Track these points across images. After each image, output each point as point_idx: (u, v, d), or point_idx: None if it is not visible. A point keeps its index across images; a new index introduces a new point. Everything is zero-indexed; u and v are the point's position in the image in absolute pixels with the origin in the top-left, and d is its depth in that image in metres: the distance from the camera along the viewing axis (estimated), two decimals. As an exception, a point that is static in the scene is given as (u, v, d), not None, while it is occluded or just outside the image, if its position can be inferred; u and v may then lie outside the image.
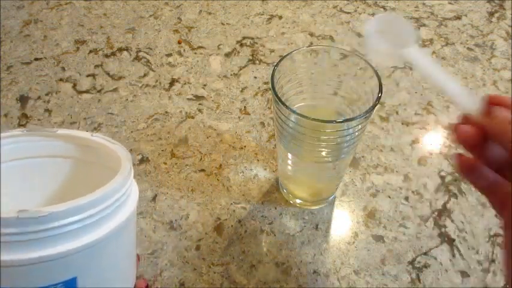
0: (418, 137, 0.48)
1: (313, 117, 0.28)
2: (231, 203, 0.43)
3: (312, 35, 0.59)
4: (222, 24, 0.60)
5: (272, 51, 0.57)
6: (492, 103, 0.22)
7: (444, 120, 0.49)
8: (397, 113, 0.50)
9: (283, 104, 0.29)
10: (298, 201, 0.42)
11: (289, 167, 0.38)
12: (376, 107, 0.29)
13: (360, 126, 0.30)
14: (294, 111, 0.29)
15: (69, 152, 0.29)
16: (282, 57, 0.32)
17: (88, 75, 0.55)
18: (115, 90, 0.53)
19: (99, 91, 0.53)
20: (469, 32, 0.59)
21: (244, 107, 0.51)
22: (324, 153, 0.33)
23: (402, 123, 0.49)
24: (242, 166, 0.45)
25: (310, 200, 0.42)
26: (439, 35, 0.59)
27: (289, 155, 0.35)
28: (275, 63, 0.31)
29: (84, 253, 0.20)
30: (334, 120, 0.29)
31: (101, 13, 0.62)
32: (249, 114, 0.50)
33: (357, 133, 0.31)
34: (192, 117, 0.50)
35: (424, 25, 0.60)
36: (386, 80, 0.53)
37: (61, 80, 0.54)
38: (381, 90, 0.30)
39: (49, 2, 0.64)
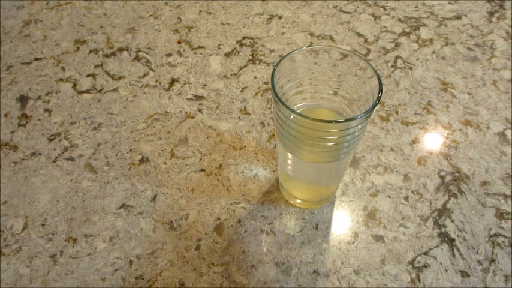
0: (418, 137, 0.48)
1: (313, 117, 0.28)
2: (231, 203, 0.43)
3: (312, 35, 0.59)
4: (222, 24, 0.60)
5: (272, 51, 0.57)
6: None
7: (444, 120, 0.49)
8: (397, 113, 0.50)
9: (283, 104, 0.29)
10: (298, 201, 0.42)
11: (289, 167, 0.38)
12: (376, 107, 0.29)
13: (360, 126, 0.30)
14: (294, 111, 0.29)
15: None
16: (282, 57, 0.32)
17: (88, 75, 0.55)
18: (115, 90, 0.53)
19: (99, 91, 0.53)
20: (469, 32, 0.59)
21: (244, 107, 0.51)
22: (324, 153, 0.33)
23: (402, 123, 0.49)
24: (242, 166, 0.45)
25: (310, 200, 0.42)
26: (439, 35, 0.59)
27: (289, 155, 0.35)
28: (275, 63, 0.31)
29: None
30: (334, 120, 0.29)
31: (101, 13, 0.62)
32: (249, 114, 0.50)
33: (357, 133, 0.31)
34: (192, 117, 0.50)
35: (424, 25, 0.61)
36: (387, 80, 0.53)
37: (61, 80, 0.54)
38: (380, 90, 0.29)
39: (49, 2, 0.64)
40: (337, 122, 0.29)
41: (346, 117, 0.31)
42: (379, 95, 0.29)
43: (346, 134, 0.30)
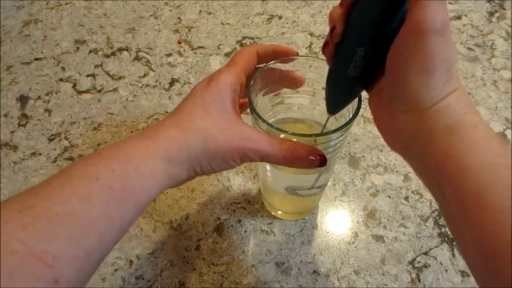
0: (418, 137, 0.48)
1: (291, 131, 0.27)
2: (231, 203, 0.43)
3: (311, 34, 0.59)
4: (222, 24, 0.60)
5: (272, 51, 0.57)
6: None
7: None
8: (397, 113, 0.50)
9: (260, 118, 0.28)
10: (279, 212, 0.41)
11: (269, 179, 0.37)
12: (355, 120, 0.28)
13: (338, 139, 0.29)
14: (271, 126, 0.28)
15: None
16: (260, 69, 0.30)
17: (88, 75, 0.55)
18: (115, 90, 0.53)
19: (99, 91, 0.53)
20: (469, 32, 0.59)
21: (244, 107, 0.51)
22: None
23: (402, 123, 0.49)
24: (242, 166, 0.45)
25: (290, 212, 0.42)
26: (439, 35, 0.59)
27: (268, 167, 0.34)
28: (252, 77, 0.30)
29: None
30: (313, 134, 0.28)
31: (101, 13, 0.62)
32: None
33: (338, 145, 0.30)
34: (192, 117, 0.50)
35: (424, 25, 0.60)
36: (386, 80, 0.53)
37: (61, 80, 0.54)
38: (359, 103, 0.28)
39: (49, 2, 0.64)
40: (315, 135, 0.28)
41: (329, 128, 0.30)
42: (358, 109, 0.28)
43: (325, 147, 0.29)
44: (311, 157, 0.27)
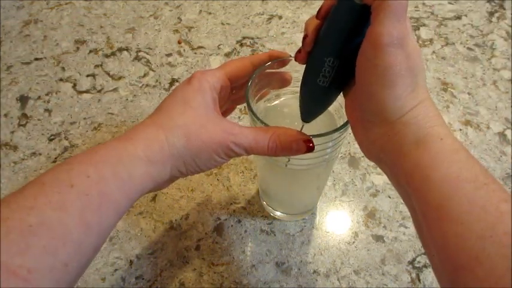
0: (418, 137, 0.48)
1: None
2: (231, 203, 0.43)
3: (312, 35, 0.59)
4: (222, 24, 0.60)
5: (272, 51, 0.57)
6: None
7: (444, 120, 0.49)
8: (397, 113, 0.50)
9: (257, 118, 0.28)
10: (278, 213, 0.41)
11: (269, 179, 0.36)
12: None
13: (337, 139, 0.29)
14: (267, 125, 0.28)
15: None
16: (257, 71, 0.30)
17: (88, 75, 0.55)
18: (115, 90, 0.53)
19: (99, 91, 0.53)
20: (469, 32, 0.59)
21: (244, 106, 0.51)
22: (302, 164, 0.32)
23: (402, 123, 0.49)
24: (242, 166, 0.45)
25: (290, 213, 0.42)
26: (439, 35, 0.59)
27: (269, 169, 0.34)
28: (250, 78, 0.30)
29: None
30: (311, 135, 0.28)
31: (101, 13, 0.62)
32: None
33: (337, 145, 0.30)
34: (192, 117, 0.50)
35: (424, 25, 0.60)
36: (386, 80, 0.53)
37: (61, 80, 0.54)
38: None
39: (49, 2, 0.64)
40: (314, 136, 0.28)
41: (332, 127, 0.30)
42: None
43: (323, 148, 0.29)
44: (296, 144, 0.27)
